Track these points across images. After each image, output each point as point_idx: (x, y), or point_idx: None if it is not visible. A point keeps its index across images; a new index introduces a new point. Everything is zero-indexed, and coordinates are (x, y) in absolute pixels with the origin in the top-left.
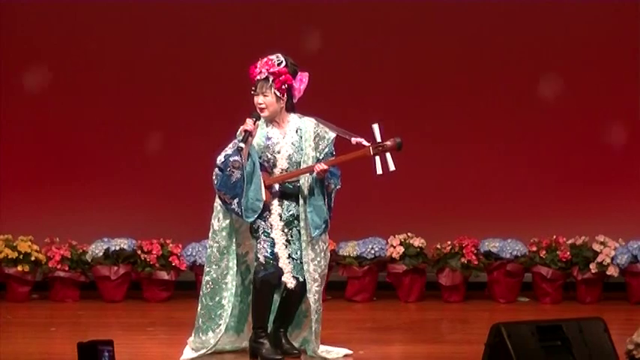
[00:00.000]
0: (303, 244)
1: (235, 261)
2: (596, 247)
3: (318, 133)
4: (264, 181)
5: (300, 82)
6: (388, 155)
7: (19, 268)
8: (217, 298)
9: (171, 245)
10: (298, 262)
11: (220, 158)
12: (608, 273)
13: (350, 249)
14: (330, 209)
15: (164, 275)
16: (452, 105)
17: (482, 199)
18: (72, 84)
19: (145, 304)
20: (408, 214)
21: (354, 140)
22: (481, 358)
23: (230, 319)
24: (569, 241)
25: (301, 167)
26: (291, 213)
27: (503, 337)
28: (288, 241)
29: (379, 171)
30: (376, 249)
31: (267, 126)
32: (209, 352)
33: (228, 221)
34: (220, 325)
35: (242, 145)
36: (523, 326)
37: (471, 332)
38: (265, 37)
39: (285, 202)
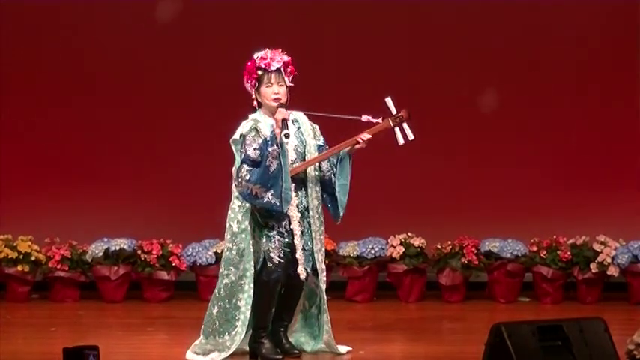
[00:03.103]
0: (314, 234)
1: (252, 262)
2: (597, 246)
3: (311, 123)
4: (301, 165)
5: None
6: (406, 125)
7: (19, 267)
8: (234, 300)
9: (171, 245)
10: (308, 253)
11: (253, 152)
12: (608, 273)
13: (350, 249)
14: None
15: (164, 275)
16: (453, 105)
17: (483, 199)
18: (72, 84)
19: (145, 304)
20: (408, 213)
21: (364, 118)
22: (481, 358)
23: None
24: (570, 241)
25: (307, 158)
26: (304, 204)
27: (504, 337)
28: (302, 232)
29: (401, 141)
30: (376, 249)
31: (269, 120)
32: (226, 355)
33: (247, 222)
34: (237, 327)
35: (287, 131)
36: (523, 326)
37: (471, 332)
38: (259, 39)
39: (299, 193)
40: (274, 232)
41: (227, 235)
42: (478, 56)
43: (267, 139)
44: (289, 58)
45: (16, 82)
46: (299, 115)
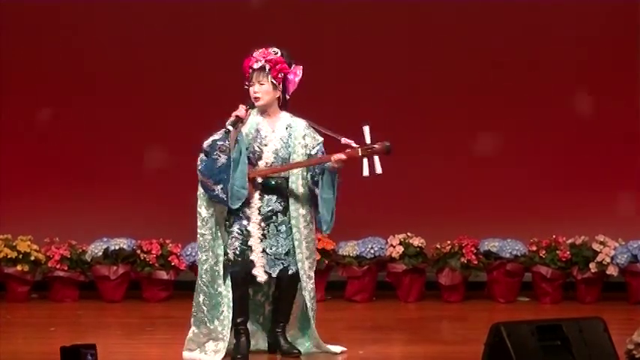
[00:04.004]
0: (296, 242)
1: (223, 247)
2: (596, 246)
3: (308, 133)
4: (248, 173)
5: (295, 75)
6: (376, 158)
7: (19, 267)
8: (215, 286)
9: (170, 245)
10: (272, 257)
11: (207, 142)
12: (607, 272)
13: (350, 249)
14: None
15: (163, 275)
16: (453, 105)
17: (482, 199)
18: (72, 84)
19: (145, 304)
20: (408, 213)
21: (343, 140)
22: (481, 357)
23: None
24: (569, 241)
25: (290, 164)
26: (270, 208)
27: (503, 337)
28: (263, 235)
29: (365, 173)
30: (376, 249)
31: (257, 118)
32: (224, 345)
33: (213, 208)
34: (224, 311)
35: (230, 127)
36: (523, 326)
37: (471, 332)
38: (259, 39)
39: (266, 197)
40: (234, 229)
41: (198, 222)
42: (478, 56)
43: (224, 132)
44: (277, 56)
45: (16, 82)
46: (296, 122)
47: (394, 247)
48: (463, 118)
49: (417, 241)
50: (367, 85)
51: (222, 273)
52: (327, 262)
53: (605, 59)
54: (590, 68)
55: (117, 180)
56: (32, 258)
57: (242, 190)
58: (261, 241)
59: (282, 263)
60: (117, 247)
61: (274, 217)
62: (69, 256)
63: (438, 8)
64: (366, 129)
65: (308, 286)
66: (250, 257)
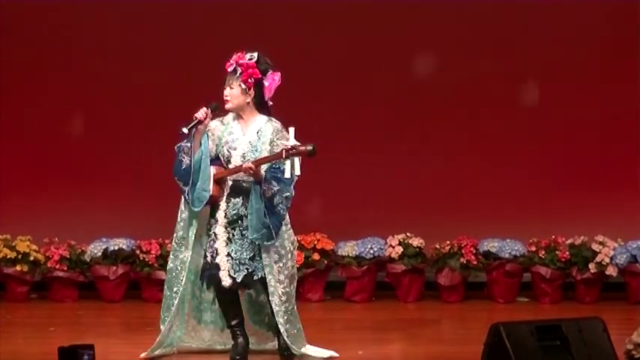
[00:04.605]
0: (262, 247)
1: (190, 253)
2: (595, 247)
3: (276, 140)
4: (213, 175)
5: (272, 81)
6: (296, 160)
7: (18, 267)
8: (175, 289)
9: (169, 245)
10: (237, 262)
11: (177, 144)
12: (607, 273)
13: (349, 249)
14: (276, 215)
15: (163, 275)
16: (453, 105)
17: (482, 199)
18: (72, 84)
19: (144, 304)
20: (407, 213)
21: (281, 144)
22: (480, 357)
23: (211, 314)
24: (568, 241)
25: (231, 168)
26: (235, 212)
27: (502, 337)
28: (229, 239)
29: (287, 175)
30: (375, 249)
31: (232, 121)
32: (163, 345)
33: (187, 212)
34: (172, 315)
35: (185, 130)
36: (522, 326)
37: (470, 332)
38: (259, 39)
39: (232, 201)
40: (212, 232)
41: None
42: (478, 56)
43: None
44: (250, 61)
45: (16, 82)
46: (267, 127)
47: (393, 247)
48: (463, 118)
49: (416, 242)
50: (367, 85)
51: (182, 278)
52: (326, 262)
53: (605, 59)
54: (590, 68)
55: (117, 180)
56: (32, 258)
57: (203, 192)
58: (227, 244)
59: (247, 268)
60: (116, 248)
61: (240, 222)
62: (68, 257)
63: (438, 8)
64: (291, 130)
65: (277, 290)
66: (216, 260)
